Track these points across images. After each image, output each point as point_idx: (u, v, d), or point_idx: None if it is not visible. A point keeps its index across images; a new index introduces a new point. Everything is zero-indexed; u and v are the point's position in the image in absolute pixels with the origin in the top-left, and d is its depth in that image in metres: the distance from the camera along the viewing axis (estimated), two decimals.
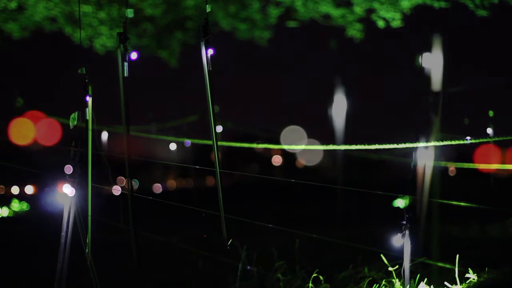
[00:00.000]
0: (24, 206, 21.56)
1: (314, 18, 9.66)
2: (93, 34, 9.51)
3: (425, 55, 8.85)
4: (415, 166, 6.96)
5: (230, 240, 6.06)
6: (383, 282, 7.30)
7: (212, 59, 6.00)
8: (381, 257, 7.28)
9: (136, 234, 6.10)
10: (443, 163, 9.68)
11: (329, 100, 17.73)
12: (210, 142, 6.45)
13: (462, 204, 7.59)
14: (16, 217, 19.91)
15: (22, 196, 25.64)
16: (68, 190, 6.06)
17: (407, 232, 6.28)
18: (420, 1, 9.12)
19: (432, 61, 8.80)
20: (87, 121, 6.10)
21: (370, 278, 7.45)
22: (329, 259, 8.76)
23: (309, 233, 8.35)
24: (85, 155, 6.11)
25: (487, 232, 12.09)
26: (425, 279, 7.23)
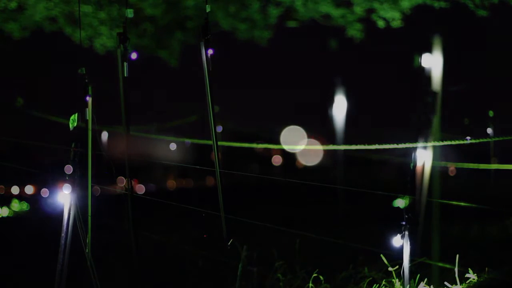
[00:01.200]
0: (24, 206, 21.56)
1: (314, 18, 9.66)
2: (93, 34, 9.51)
3: (425, 55, 8.85)
4: (414, 166, 6.96)
5: (231, 240, 6.06)
6: (383, 282, 7.30)
7: (212, 59, 6.01)
8: (381, 257, 7.28)
9: (135, 234, 6.10)
10: (443, 163, 9.68)
11: (329, 100, 17.74)
12: (210, 142, 6.46)
13: (462, 204, 7.60)
14: (16, 217, 19.89)
15: (22, 196, 25.65)
16: (68, 190, 6.06)
17: (406, 232, 6.28)
18: (420, 1, 9.12)
19: (432, 61, 8.80)
20: (87, 121, 6.10)
21: (370, 278, 7.45)
22: (329, 259, 8.75)
23: (309, 233, 8.36)
24: (85, 156, 6.11)
25: (487, 232, 12.08)
26: (425, 279, 7.23)
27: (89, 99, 6.11)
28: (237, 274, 7.23)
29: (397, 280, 7.16)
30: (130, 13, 6.07)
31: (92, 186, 6.16)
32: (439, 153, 8.80)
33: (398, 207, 6.39)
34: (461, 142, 7.84)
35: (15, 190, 31.64)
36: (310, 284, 7.33)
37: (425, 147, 8.41)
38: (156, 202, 9.32)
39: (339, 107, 17.51)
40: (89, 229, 6.13)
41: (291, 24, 9.85)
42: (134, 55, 6.07)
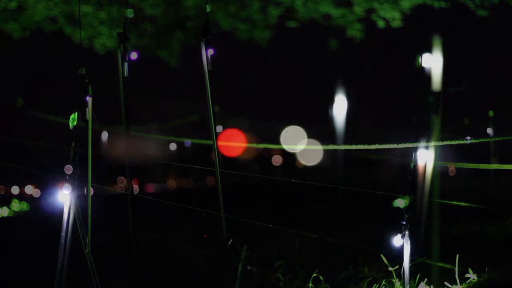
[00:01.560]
0: (24, 206, 21.56)
1: (314, 18, 9.67)
2: (93, 34, 9.51)
3: (425, 55, 8.85)
4: (415, 166, 6.96)
5: (231, 240, 6.07)
6: (383, 282, 7.30)
7: (213, 59, 6.01)
8: (381, 257, 7.28)
9: (135, 234, 6.11)
10: (443, 163, 9.68)
11: (329, 100, 17.73)
12: (210, 142, 6.46)
13: (462, 204, 7.60)
14: (16, 217, 19.89)
15: (22, 196, 25.66)
16: (68, 190, 6.06)
17: (406, 232, 6.28)
18: (420, 1, 9.13)
19: (432, 61, 8.80)
20: (87, 121, 6.10)
21: (370, 278, 7.44)
22: (329, 259, 8.75)
23: (309, 233, 8.35)
24: (85, 155, 6.11)
25: (487, 232, 12.09)
26: (425, 279, 7.23)
27: (89, 99, 6.11)
28: (237, 274, 7.23)
29: (397, 280, 7.15)
30: (130, 13, 6.08)
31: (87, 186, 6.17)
32: (439, 153, 8.80)
33: (398, 207, 6.39)
34: (461, 142, 7.84)
35: (15, 190, 31.64)
36: (310, 284, 7.32)
37: (426, 147, 8.40)
38: (156, 202, 9.32)
39: (339, 107, 17.50)
40: (89, 229, 6.13)
41: (291, 24, 9.85)
42: (134, 55, 6.08)
